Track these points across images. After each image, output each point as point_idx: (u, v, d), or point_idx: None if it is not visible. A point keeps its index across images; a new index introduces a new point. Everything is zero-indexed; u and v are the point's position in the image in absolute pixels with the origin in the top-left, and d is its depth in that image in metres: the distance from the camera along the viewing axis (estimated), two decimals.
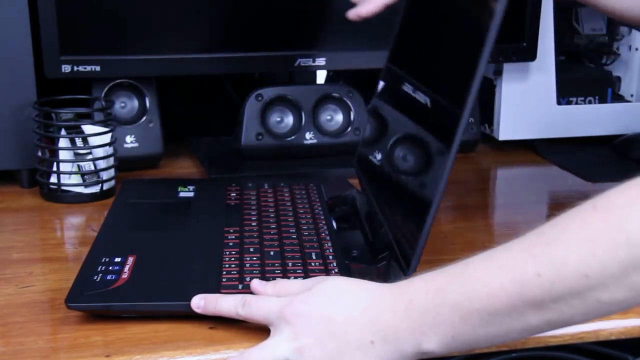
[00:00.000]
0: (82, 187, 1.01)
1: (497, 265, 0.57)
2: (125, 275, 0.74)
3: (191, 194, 0.98)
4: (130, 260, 0.77)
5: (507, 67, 1.24)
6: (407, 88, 0.78)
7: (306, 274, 0.75)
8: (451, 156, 0.65)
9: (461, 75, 0.65)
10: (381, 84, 0.89)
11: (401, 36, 0.87)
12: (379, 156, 0.83)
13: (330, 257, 0.79)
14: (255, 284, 0.70)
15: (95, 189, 1.02)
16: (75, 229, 0.96)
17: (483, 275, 0.57)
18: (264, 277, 0.74)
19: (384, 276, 0.76)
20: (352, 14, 0.84)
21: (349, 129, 1.18)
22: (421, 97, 0.74)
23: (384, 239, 0.79)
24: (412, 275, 0.62)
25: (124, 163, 1.09)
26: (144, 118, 1.14)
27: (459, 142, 0.64)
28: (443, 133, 0.67)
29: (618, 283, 0.53)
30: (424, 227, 0.67)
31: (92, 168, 1.02)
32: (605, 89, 1.31)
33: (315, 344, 0.61)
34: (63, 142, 1.00)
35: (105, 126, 1.02)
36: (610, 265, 0.52)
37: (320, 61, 1.14)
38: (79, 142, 1.01)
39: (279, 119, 1.16)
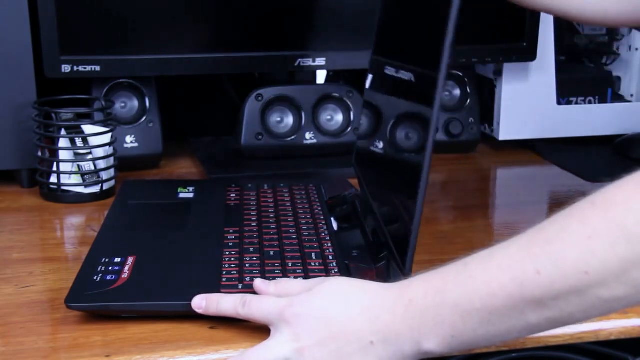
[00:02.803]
0: (82, 187, 1.01)
1: (496, 264, 0.57)
2: (125, 276, 0.74)
3: (191, 195, 0.98)
4: (130, 260, 0.77)
5: (507, 67, 1.24)
6: (390, 71, 0.82)
7: (306, 274, 0.75)
8: (434, 119, 0.66)
9: (434, 43, 0.68)
10: (369, 76, 0.91)
11: (381, 29, 0.91)
12: (381, 144, 0.84)
13: (330, 257, 0.79)
14: (258, 283, 0.70)
15: (95, 189, 1.02)
16: (75, 229, 0.96)
17: (482, 275, 0.57)
18: (263, 277, 0.74)
19: (384, 276, 0.76)
20: None
21: (349, 129, 1.18)
22: (405, 75, 0.78)
23: (381, 239, 0.79)
24: (411, 275, 0.62)
25: (124, 163, 1.09)
26: (144, 118, 1.14)
27: (440, 104, 0.67)
28: (426, 98, 0.70)
29: (618, 280, 0.53)
30: (416, 207, 0.68)
31: (92, 168, 1.02)
32: (605, 89, 1.31)
33: (315, 345, 0.61)
34: (63, 142, 1.00)
35: (105, 126, 1.02)
36: (609, 262, 0.52)
37: (320, 61, 1.14)
38: (79, 142, 1.01)
39: (279, 119, 1.16)
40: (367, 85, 0.92)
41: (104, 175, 1.03)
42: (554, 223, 0.55)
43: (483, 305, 0.56)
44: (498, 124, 1.26)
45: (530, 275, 0.54)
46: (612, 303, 0.54)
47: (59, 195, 1.01)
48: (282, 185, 1.01)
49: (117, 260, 0.77)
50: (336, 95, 1.18)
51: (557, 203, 1.11)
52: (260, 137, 1.15)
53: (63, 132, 1.00)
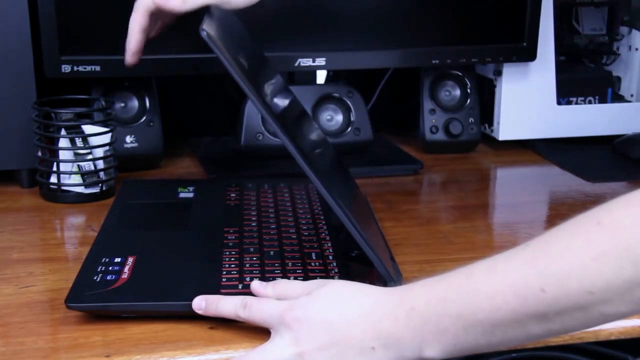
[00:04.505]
0: (82, 187, 1.01)
1: (500, 278, 0.57)
2: (125, 276, 0.74)
3: (191, 195, 0.98)
4: (130, 260, 0.77)
5: (507, 67, 1.24)
6: None
7: (306, 274, 0.75)
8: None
9: None
10: None
11: None
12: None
13: (330, 257, 0.79)
14: (256, 285, 0.70)
15: (95, 189, 1.02)
16: (75, 229, 0.96)
17: (486, 288, 0.57)
18: (263, 277, 0.74)
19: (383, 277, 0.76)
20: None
21: (349, 129, 1.18)
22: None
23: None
24: (412, 280, 0.62)
25: (124, 163, 1.09)
26: (144, 118, 1.14)
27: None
28: None
29: (622, 299, 0.53)
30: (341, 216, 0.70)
31: (92, 168, 1.01)
32: (605, 89, 1.31)
33: (316, 350, 0.61)
34: (63, 142, 1.00)
35: (105, 126, 1.02)
36: (614, 283, 0.53)
37: (320, 61, 1.14)
38: (79, 142, 1.01)
39: None
40: None
41: (104, 175, 1.03)
42: (558, 238, 0.56)
43: (486, 317, 0.57)
44: (498, 124, 1.26)
45: (534, 292, 0.55)
46: (614, 317, 0.55)
47: (59, 195, 1.01)
48: (282, 185, 1.01)
49: (117, 260, 0.77)
50: (336, 95, 1.18)
51: (557, 203, 1.11)
52: (260, 137, 1.15)
53: (63, 132, 1.00)
